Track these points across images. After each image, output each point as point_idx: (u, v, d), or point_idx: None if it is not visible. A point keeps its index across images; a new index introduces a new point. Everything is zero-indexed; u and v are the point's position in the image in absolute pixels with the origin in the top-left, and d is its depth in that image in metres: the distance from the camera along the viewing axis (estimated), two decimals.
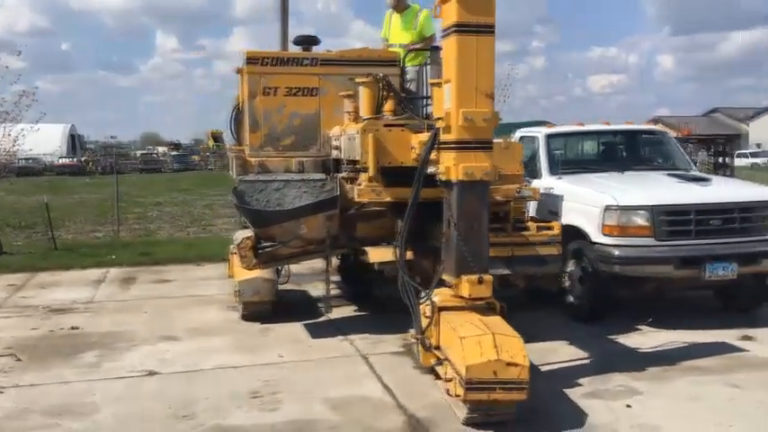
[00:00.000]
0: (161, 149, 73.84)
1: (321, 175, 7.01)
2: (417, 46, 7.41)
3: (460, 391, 4.37)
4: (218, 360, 6.18)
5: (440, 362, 5.06)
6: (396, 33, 7.72)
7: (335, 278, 9.36)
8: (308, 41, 7.31)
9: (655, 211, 6.97)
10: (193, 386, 5.56)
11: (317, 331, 7.03)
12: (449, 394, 4.79)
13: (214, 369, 5.97)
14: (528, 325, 5.58)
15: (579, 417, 4.85)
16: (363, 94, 6.14)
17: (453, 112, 4.83)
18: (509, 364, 4.29)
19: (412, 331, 5.50)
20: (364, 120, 6.00)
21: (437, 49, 7.01)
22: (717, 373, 5.85)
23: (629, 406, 5.10)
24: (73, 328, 7.34)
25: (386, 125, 5.85)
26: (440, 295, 5.06)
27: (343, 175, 6.62)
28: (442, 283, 5.14)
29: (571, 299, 7.43)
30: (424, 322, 5.07)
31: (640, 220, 6.99)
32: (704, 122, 60.71)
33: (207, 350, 6.49)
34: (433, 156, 5.43)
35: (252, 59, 7.03)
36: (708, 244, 7.09)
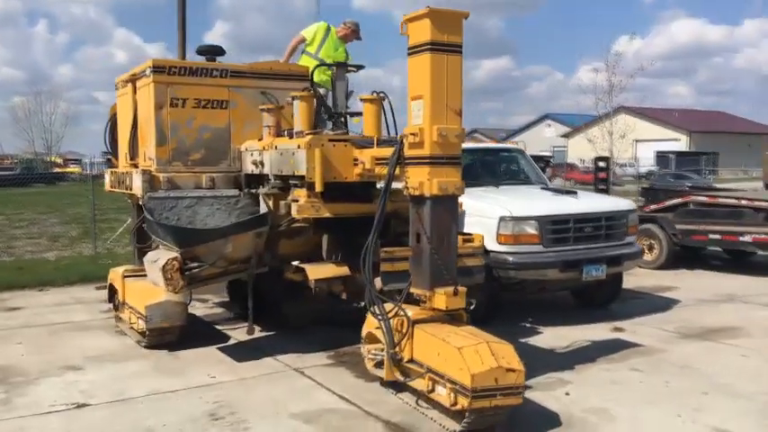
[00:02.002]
0: None
1: (234, 191, 6.61)
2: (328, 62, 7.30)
3: (463, 401, 4.35)
4: (145, 386, 5.66)
5: (407, 375, 4.99)
6: (325, 54, 7.74)
7: (218, 299, 8.91)
8: (212, 51, 6.84)
9: (542, 221, 7.50)
10: (140, 414, 5.08)
11: (234, 352, 6.62)
12: (423, 404, 4.82)
13: (148, 395, 5.47)
14: None
15: (534, 406, 5.14)
16: (300, 107, 5.90)
17: (427, 128, 4.81)
18: (508, 370, 4.36)
19: (368, 346, 5.38)
20: (306, 134, 5.76)
21: (343, 65, 6.95)
22: (616, 361, 6.44)
23: (567, 394, 5.52)
24: None
25: (330, 140, 5.67)
26: (411, 309, 5.00)
27: (265, 191, 6.30)
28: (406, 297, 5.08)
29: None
30: (397, 336, 4.97)
31: (530, 229, 7.46)
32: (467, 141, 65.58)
33: (124, 377, 5.92)
34: (377, 170, 5.40)
35: (159, 68, 6.43)
36: (584, 249, 7.79)
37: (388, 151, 5.35)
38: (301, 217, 5.81)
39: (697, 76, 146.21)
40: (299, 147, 5.69)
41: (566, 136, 65.13)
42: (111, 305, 7.81)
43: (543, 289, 8.08)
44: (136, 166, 7.02)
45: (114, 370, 6.14)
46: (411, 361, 4.95)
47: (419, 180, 4.87)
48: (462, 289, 4.91)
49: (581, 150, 45.09)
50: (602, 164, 14.67)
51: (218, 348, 6.72)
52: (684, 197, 12.33)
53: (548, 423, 4.88)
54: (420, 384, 4.85)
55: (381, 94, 6.06)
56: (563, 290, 8.63)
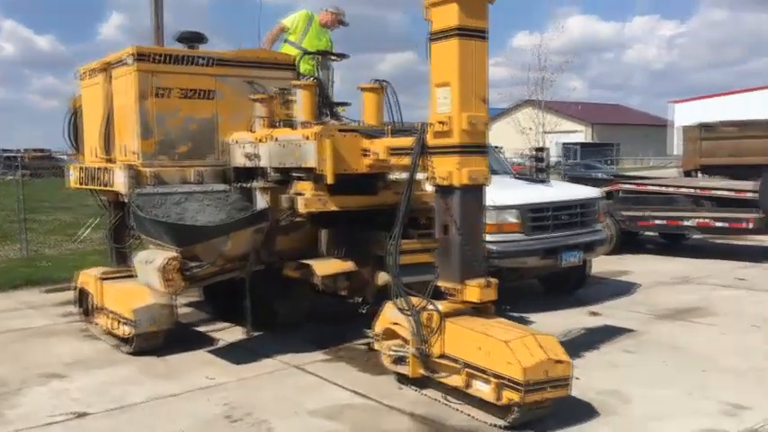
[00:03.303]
0: None
1: (224, 186, 6.16)
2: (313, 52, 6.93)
3: (512, 395, 4.15)
4: (142, 392, 5.24)
5: (434, 371, 4.76)
6: (308, 43, 7.34)
7: (186, 299, 8.38)
8: (193, 39, 6.32)
9: (522, 210, 7.44)
10: (151, 421, 4.70)
11: (225, 353, 6.21)
12: (453, 399, 4.68)
13: (149, 401, 5.07)
14: None
15: None
16: (303, 97, 5.53)
17: (456, 116, 4.58)
18: (557, 362, 4.20)
19: (386, 342, 5.11)
20: (314, 124, 5.40)
21: (327, 54, 6.64)
22: (608, 344, 6.45)
23: (578, 378, 5.36)
24: None
25: (340, 130, 5.34)
26: (441, 303, 4.76)
27: (261, 185, 5.90)
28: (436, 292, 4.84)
29: None
30: (425, 331, 4.71)
31: (512, 218, 7.39)
32: None
33: (116, 383, 5.47)
34: (394, 160, 5.14)
35: (142, 56, 5.88)
36: (562, 236, 7.78)
37: (404, 141, 5.09)
38: (306, 211, 5.45)
39: (590, 70, 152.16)
40: (306, 138, 5.33)
41: None
42: (79, 310, 7.18)
43: (522, 276, 8.02)
44: (111, 160, 6.43)
45: (102, 376, 5.65)
46: (442, 356, 4.71)
47: (448, 170, 4.63)
48: (494, 280, 4.72)
49: (493, 142, 45.89)
50: (540, 154, 14.81)
51: (208, 351, 6.27)
52: (613, 185, 12.63)
53: (577, 409, 4.73)
54: (455, 381, 4.62)
55: (384, 83, 5.77)
56: (535, 277, 8.62)
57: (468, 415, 4.58)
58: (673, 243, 12.70)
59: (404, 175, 5.80)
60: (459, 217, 4.66)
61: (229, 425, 4.62)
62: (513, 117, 41.62)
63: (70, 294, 8.91)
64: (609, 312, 7.72)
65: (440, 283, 4.82)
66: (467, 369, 4.51)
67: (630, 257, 11.55)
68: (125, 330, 6.03)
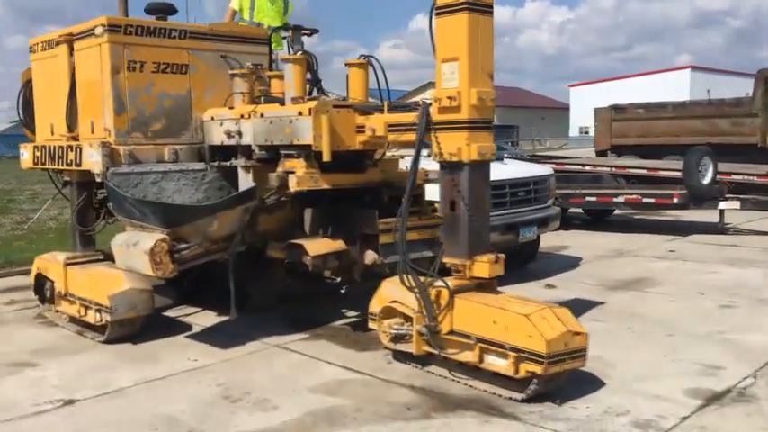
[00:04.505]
0: None
1: (200, 165, 5.80)
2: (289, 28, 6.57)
3: (533, 368, 4.11)
4: (126, 376, 4.94)
5: (442, 347, 4.65)
6: (263, 13, 6.89)
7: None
8: (164, 10, 5.85)
9: None
10: (146, 403, 4.45)
11: (202, 336, 5.92)
12: (458, 374, 4.65)
13: (138, 384, 4.79)
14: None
15: None
16: (293, 72, 5.24)
17: (465, 91, 4.46)
18: (575, 333, 4.20)
19: (386, 321, 4.96)
20: (308, 99, 5.13)
21: (299, 28, 6.36)
22: (576, 314, 6.44)
23: None
24: None
25: (335, 106, 5.09)
26: (449, 279, 4.66)
27: (244, 163, 5.58)
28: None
29: None
30: (435, 308, 4.60)
31: None
32: None
33: (94, 369, 5.14)
34: (392, 137, 4.99)
35: (114, 27, 5.39)
36: (519, 212, 7.86)
37: (403, 117, 4.92)
38: (298, 190, 5.20)
39: None
40: (300, 114, 5.06)
41: None
42: (36, 297, 6.62)
43: None
44: (75, 138, 5.90)
45: (76, 363, 5.27)
46: (451, 332, 4.61)
47: (457, 146, 4.51)
48: (502, 255, 4.66)
49: None
50: None
51: (182, 335, 5.93)
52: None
53: (572, 374, 4.60)
54: (467, 356, 4.53)
55: (370, 58, 5.56)
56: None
57: (467, 385, 4.57)
58: (596, 219, 13.13)
59: (400, 152, 5.67)
60: (468, 193, 4.56)
61: (231, 404, 4.41)
62: (418, 100, 41.90)
63: (12, 281, 8.28)
64: (564, 285, 7.87)
65: (446, 260, 4.71)
66: (479, 344, 4.43)
67: (564, 233, 11.81)
68: (98, 317, 5.59)
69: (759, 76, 14.94)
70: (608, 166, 13.74)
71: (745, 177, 11.93)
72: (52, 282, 6.17)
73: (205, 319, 6.46)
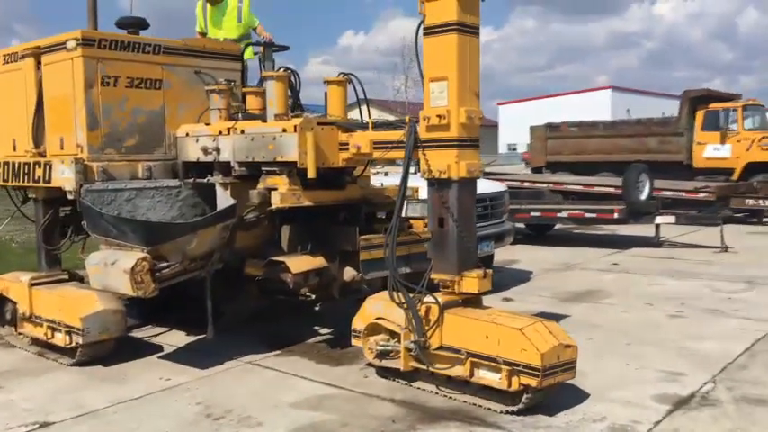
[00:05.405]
0: None
1: (175, 182, 5.62)
2: (263, 41, 6.45)
3: (527, 380, 4.14)
4: (99, 397, 4.75)
5: (431, 363, 4.63)
6: (217, 27, 6.64)
7: None
8: (136, 25, 5.66)
9: None
10: (126, 425, 4.29)
11: (171, 356, 5.73)
12: (445, 389, 4.63)
13: (113, 405, 4.61)
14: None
15: None
16: (276, 88, 5.15)
17: (454, 110, 4.49)
18: (566, 346, 4.26)
19: (372, 338, 4.90)
20: (292, 116, 5.05)
21: (270, 45, 6.29)
22: None
23: None
24: None
25: (319, 123, 5.03)
26: (438, 294, 4.65)
27: (221, 180, 5.44)
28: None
29: None
30: (426, 323, 4.58)
31: None
32: None
33: (64, 391, 4.93)
34: (377, 154, 4.98)
35: (88, 40, 5.17)
36: (478, 227, 7.92)
37: (388, 135, 4.92)
38: (279, 207, 5.10)
39: (415, 71, 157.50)
40: (284, 130, 4.98)
41: None
42: None
43: None
44: (41, 154, 5.62)
45: (44, 384, 5.05)
46: (440, 348, 4.60)
47: (446, 163, 4.53)
48: (490, 271, 4.69)
49: None
50: None
51: (151, 355, 5.72)
52: None
53: None
54: (457, 371, 4.52)
55: (349, 76, 5.54)
56: None
57: (449, 397, 4.61)
58: (538, 233, 13.43)
59: (384, 170, 5.64)
60: (457, 209, 4.58)
61: (214, 422, 4.30)
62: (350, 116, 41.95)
63: None
64: (520, 298, 8.00)
65: (434, 276, 4.70)
66: (471, 358, 4.44)
67: (511, 248, 11.97)
68: (68, 340, 5.31)
69: (684, 97, 15.70)
70: (547, 183, 14.12)
71: (675, 193, 12.49)
72: (14, 303, 5.83)
73: (174, 338, 6.24)
